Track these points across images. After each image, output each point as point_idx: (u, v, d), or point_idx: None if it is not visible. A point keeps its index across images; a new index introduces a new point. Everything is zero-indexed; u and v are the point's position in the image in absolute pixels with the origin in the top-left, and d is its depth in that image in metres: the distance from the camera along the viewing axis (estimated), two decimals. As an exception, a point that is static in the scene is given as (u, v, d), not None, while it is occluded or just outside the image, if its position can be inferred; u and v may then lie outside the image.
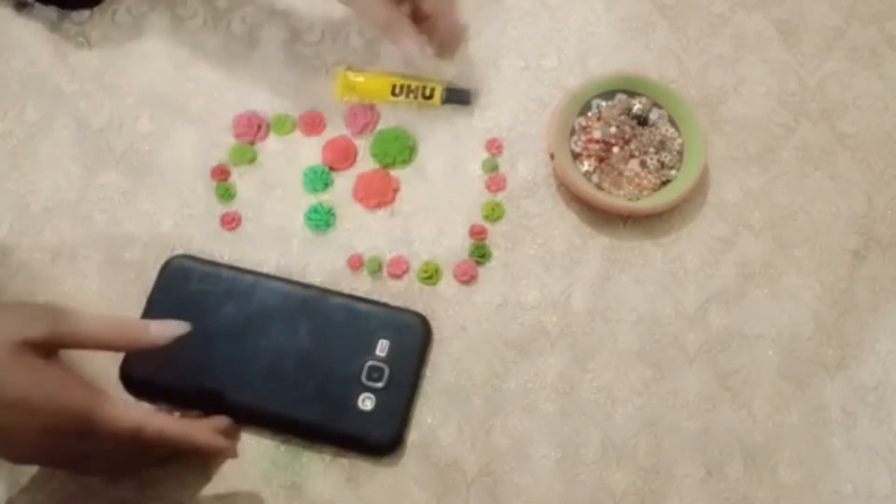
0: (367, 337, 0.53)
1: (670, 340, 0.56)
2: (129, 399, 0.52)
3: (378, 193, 0.59)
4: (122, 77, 0.61)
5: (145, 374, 0.51)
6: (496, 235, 0.58)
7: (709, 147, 0.60)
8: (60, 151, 0.59)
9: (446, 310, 0.56)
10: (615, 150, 0.59)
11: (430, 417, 0.53)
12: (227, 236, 0.57)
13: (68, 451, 0.46)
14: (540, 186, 0.60)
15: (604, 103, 0.61)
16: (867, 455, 0.53)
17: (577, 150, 0.60)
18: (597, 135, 0.59)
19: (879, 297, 0.57)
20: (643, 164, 0.59)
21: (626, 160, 0.59)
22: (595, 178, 0.59)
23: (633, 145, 0.60)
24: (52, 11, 0.63)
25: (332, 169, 0.59)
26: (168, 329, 0.49)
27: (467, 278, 0.57)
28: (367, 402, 0.52)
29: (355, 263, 0.57)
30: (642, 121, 0.61)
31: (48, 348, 0.45)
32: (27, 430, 0.44)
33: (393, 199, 0.59)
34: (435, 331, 0.55)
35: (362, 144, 0.60)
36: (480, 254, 0.57)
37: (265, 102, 0.61)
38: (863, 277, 0.58)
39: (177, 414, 0.51)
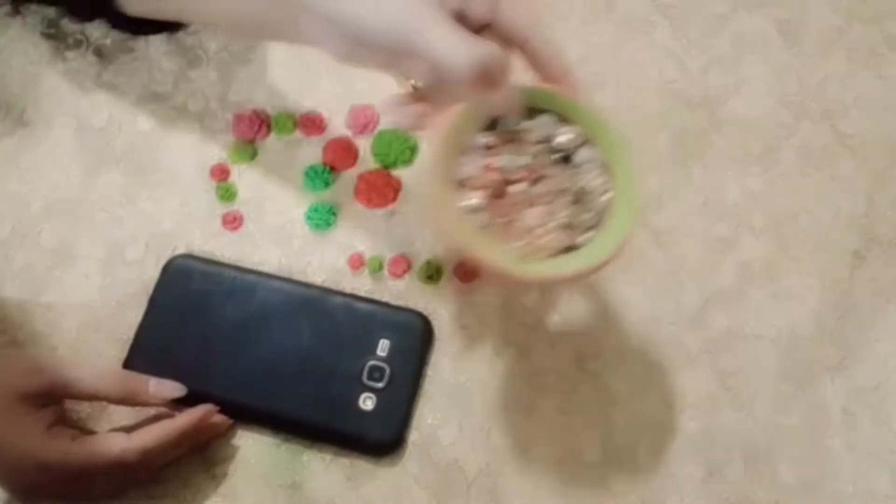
0: (368, 336, 0.53)
1: (670, 340, 0.56)
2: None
3: (379, 193, 0.59)
4: (121, 76, 0.61)
5: (147, 373, 0.51)
6: (497, 235, 0.58)
7: (638, 217, 0.47)
8: (60, 151, 0.59)
9: (447, 309, 0.56)
10: (517, 187, 0.46)
11: (430, 417, 0.53)
12: (228, 236, 0.57)
13: (66, 491, 0.48)
14: (540, 186, 0.60)
15: (523, 122, 0.47)
16: (867, 456, 0.53)
17: (468, 174, 0.46)
18: (501, 161, 0.45)
19: (879, 298, 0.57)
20: (548, 216, 0.45)
21: (527, 205, 0.45)
22: (476, 219, 0.45)
23: (542, 187, 0.46)
24: (50, 10, 0.63)
25: (332, 169, 0.59)
26: (165, 390, 0.50)
27: (468, 278, 0.57)
28: (367, 402, 0.52)
29: (356, 263, 0.57)
30: (565, 158, 0.47)
31: (46, 399, 0.48)
32: (18, 477, 0.47)
33: (394, 199, 0.59)
34: (436, 330, 0.55)
35: (363, 144, 0.60)
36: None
37: (266, 101, 0.61)
38: (863, 277, 0.58)
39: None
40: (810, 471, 0.53)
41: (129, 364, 0.53)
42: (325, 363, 0.53)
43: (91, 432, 0.50)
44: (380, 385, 0.52)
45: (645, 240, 0.58)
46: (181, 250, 0.57)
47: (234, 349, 0.53)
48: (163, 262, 0.56)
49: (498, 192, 0.45)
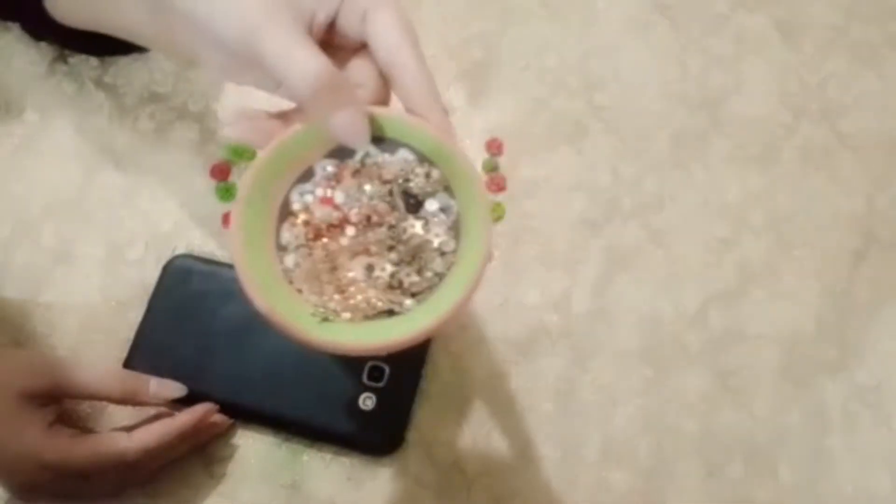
0: (368, 337, 0.53)
1: (670, 340, 0.56)
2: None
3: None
4: (121, 76, 0.61)
5: (147, 373, 0.51)
6: (497, 235, 0.57)
7: (470, 293, 0.38)
8: (60, 151, 0.59)
9: (447, 310, 0.56)
10: (348, 231, 0.39)
11: (430, 417, 0.53)
12: (228, 236, 0.57)
13: (66, 490, 0.48)
14: (540, 186, 0.60)
15: (379, 155, 0.40)
16: (867, 455, 0.53)
17: (297, 204, 0.40)
18: (339, 198, 0.39)
19: (879, 297, 0.57)
20: (370, 270, 0.39)
21: (352, 254, 0.39)
22: (290, 259, 0.39)
23: (374, 235, 0.39)
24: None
25: (332, 169, 0.59)
26: (166, 390, 0.51)
27: (468, 278, 0.57)
28: (367, 402, 0.52)
29: (356, 263, 0.57)
30: (414, 205, 0.40)
31: (47, 398, 0.48)
32: (19, 476, 0.47)
33: (393, 199, 0.59)
34: (435, 330, 0.55)
35: (363, 144, 0.60)
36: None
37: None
38: (863, 277, 0.58)
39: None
40: (810, 471, 0.53)
41: (129, 364, 0.53)
42: (325, 363, 0.53)
43: (91, 431, 0.50)
44: (380, 385, 0.52)
45: (645, 240, 0.58)
46: (181, 250, 0.57)
47: (234, 349, 0.53)
48: (163, 262, 0.56)
49: (324, 233, 0.39)
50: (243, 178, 0.39)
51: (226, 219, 0.57)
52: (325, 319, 0.39)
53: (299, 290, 0.39)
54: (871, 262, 0.58)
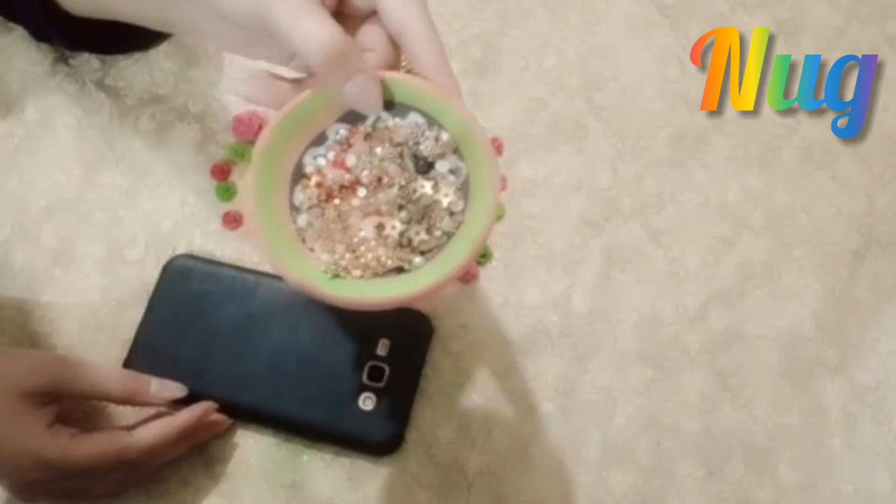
0: (368, 336, 0.53)
1: (670, 340, 0.56)
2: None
3: (378, 193, 0.59)
4: (122, 78, 0.61)
5: (147, 373, 0.51)
6: (497, 235, 0.58)
7: (475, 252, 0.39)
8: (60, 151, 0.59)
9: (447, 309, 0.56)
10: (360, 192, 0.41)
11: (430, 417, 0.53)
12: (228, 236, 0.57)
13: (67, 489, 0.48)
14: (540, 186, 0.60)
15: (390, 119, 0.41)
16: (867, 455, 0.54)
17: (311, 167, 0.41)
18: (351, 160, 0.41)
19: (879, 297, 0.57)
20: (380, 229, 0.40)
21: (363, 214, 0.41)
22: (303, 219, 0.41)
23: (385, 196, 0.40)
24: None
25: (332, 169, 0.59)
26: (167, 390, 0.51)
27: (468, 278, 0.57)
28: (367, 402, 0.52)
29: (356, 263, 0.57)
30: (424, 167, 0.41)
31: (48, 397, 0.47)
32: (19, 475, 0.47)
33: (393, 199, 0.59)
34: (436, 330, 0.55)
35: (363, 144, 0.60)
36: (481, 253, 0.57)
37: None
38: (863, 277, 0.58)
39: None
40: (810, 471, 0.53)
41: (129, 364, 0.53)
42: (325, 363, 0.53)
43: (91, 431, 0.50)
44: (380, 385, 0.52)
45: (645, 240, 0.58)
46: (181, 250, 0.57)
47: (234, 349, 0.53)
48: (163, 262, 0.56)
49: (336, 194, 0.41)
50: (257, 142, 0.40)
51: (226, 218, 0.58)
52: (336, 276, 0.40)
53: (311, 249, 0.41)
54: (871, 262, 0.58)
